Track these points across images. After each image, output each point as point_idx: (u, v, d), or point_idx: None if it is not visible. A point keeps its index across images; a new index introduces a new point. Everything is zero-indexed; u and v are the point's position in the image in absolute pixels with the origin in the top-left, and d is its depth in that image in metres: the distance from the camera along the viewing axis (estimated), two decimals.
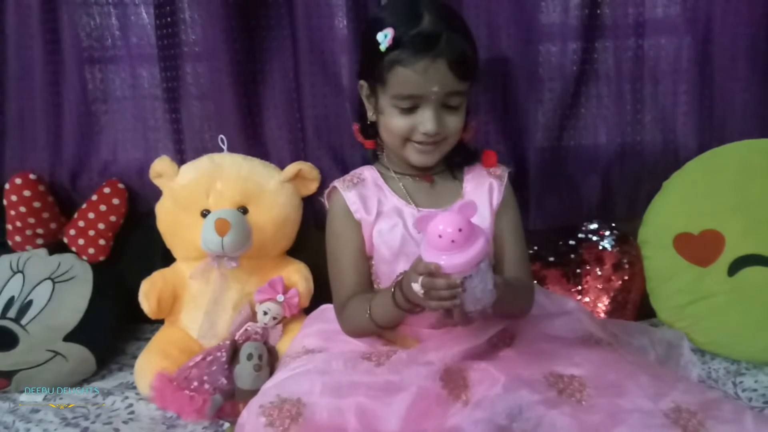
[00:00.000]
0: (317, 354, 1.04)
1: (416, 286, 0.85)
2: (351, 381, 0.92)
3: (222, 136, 1.39)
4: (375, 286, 1.11)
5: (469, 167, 1.13)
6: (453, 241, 0.81)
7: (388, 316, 0.98)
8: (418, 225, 0.86)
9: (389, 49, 0.97)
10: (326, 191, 1.13)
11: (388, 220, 1.07)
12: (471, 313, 0.87)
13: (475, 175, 1.12)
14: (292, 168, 1.38)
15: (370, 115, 1.08)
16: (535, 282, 1.35)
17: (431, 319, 1.02)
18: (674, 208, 1.36)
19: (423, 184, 1.11)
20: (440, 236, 0.82)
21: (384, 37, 0.97)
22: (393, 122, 1.02)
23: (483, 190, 1.10)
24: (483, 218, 1.06)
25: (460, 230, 0.81)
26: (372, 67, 1.01)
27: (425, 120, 1.00)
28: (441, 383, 0.92)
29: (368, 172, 1.13)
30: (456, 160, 1.12)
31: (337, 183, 1.11)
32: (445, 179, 1.12)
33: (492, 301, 0.86)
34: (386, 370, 0.96)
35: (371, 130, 1.11)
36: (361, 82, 1.07)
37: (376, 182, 1.11)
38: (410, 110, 1.00)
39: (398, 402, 0.88)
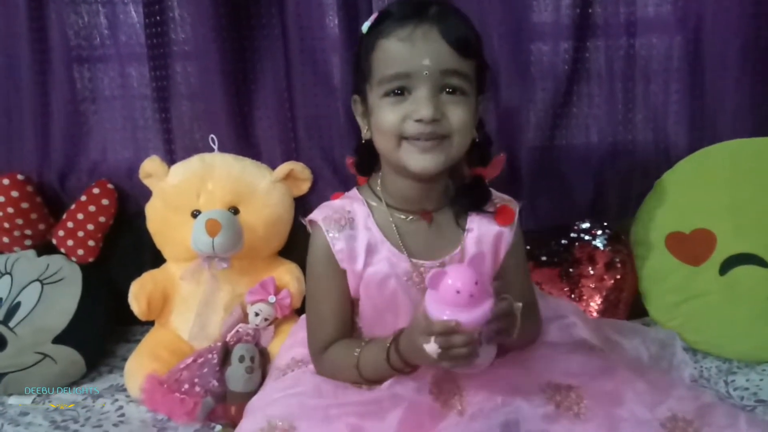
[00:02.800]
0: (306, 371, 1.00)
1: (431, 347, 0.77)
2: (341, 401, 0.90)
3: (213, 135, 1.38)
4: (356, 325, 1.02)
5: (476, 214, 0.96)
6: (471, 296, 0.76)
7: (379, 373, 0.90)
8: (430, 283, 0.78)
9: (371, 28, 0.86)
10: (308, 218, 0.98)
11: (378, 271, 0.94)
12: (481, 362, 0.82)
13: (483, 219, 0.96)
14: (284, 168, 1.37)
15: (365, 132, 0.93)
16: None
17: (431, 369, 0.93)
18: (666, 207, 1.36)
19: (420, 225, 0.95)
20: (458, 292, 0.76)
21: (366, 24, 0.88)
22: (382, 118, 0.85)
23: (488, 240, 0.96)
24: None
25: (476, 284, 0.76)
26: (358, 67, 0.89)
27: (418, 105, 0.82)
28: (432, 396, 0.89)
29: (358, 208, 0.96)
30: (463, 201, 0.95)
31: (321, 221, 0.94)
32: (444, 220, 0.96)
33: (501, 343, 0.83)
34: (375, 387, 0.93)
35: (366, 160, 0.97)
36: (354, 96, 0.94)
37: (366, 224, 0.94)
38: (401, 96, 0.84)
39: (390, 418, 0.85)
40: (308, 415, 0.87)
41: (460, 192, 0.95)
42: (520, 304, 0.81)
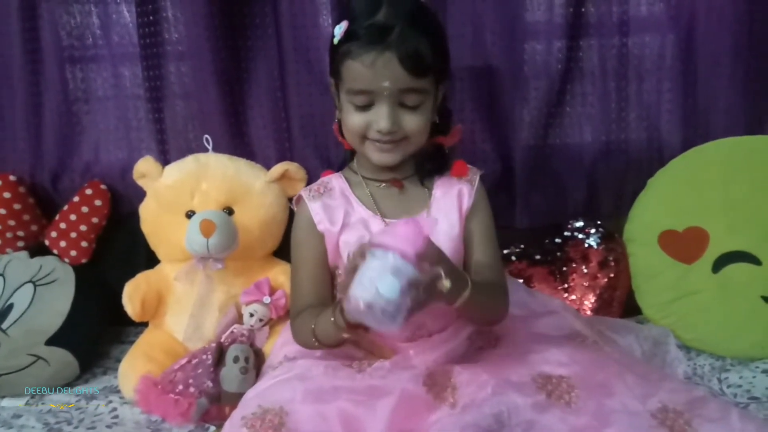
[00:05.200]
0: (298, 361, 1.02)
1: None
2: (332, 386, 0.91)
3: (207, 135, 1.38)
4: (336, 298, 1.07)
5: (439, 178, 1.08)
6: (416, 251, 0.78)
7: (327, 333, 0.94)
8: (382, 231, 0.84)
9: (341, 41, 0.94)
10: (294, 197, 1.10)
11: (354, 232, 1.02)
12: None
13: (445, 181, 1.07)
14: (279, 168, 1.37)
15: (337, 113, 1.05)
16: (521, 281, 1.36)
17: (405, 332, 1.01)
18: (659, 205, 1.37)
19: (391, 191, 1.06)
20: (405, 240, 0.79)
21: (338, 30, 0.95)
22: (349, 119, 0.98)
23: (452, 196, 1.05)
24: (452, 225, 1.03)
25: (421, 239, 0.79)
26: (331, 62, 0.99)
27: (379, 117, 0.95)
28: (425, 387, 0.91)
29: (336, 181, 1.08)
30: (427, 167, 1.07)
31: (303, 192, 1.08)
32: (414, 185, 1.07)
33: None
34: (368, 375, 0.94)
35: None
36: (330, 79, 1.03)
37: (344, 192, 1.06)
38: (366, 107, 0.96)
39: (382, 406, 0.87)
40: (299, 399, 0.89)
41: (423, 160, 1.06)
42: (448, 284, 0.83)
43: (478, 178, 1.08)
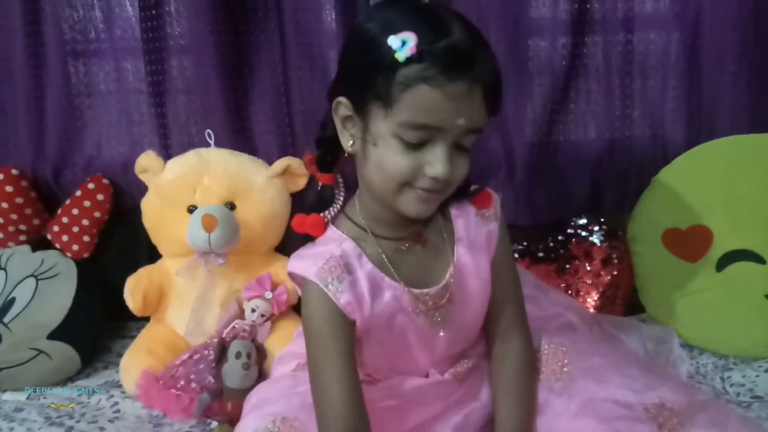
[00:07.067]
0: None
1: None
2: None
3: (209, 130, 1.38)
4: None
5: (457, 206, 0.92)
6: None
7: None
8: None
9: (408, 60, 0.73)
10: (294, 273, 0.87)
11: (385, 310, 0.86)
12: None
13: (467, 221, 0.92)
14: (281, 163, 1.36)
15: (348, 144, 0.82)
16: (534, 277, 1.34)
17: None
18: (663, 203, 1.36)
19: (412, 250, 0.89)
20: None
21: (402, 44, 0.73)
22: (391, 159, 0.77)
23: (480, 246, 0.92)
24: (481, 273, 0.91)
25: None
26: (369, 80, 0.76)
27: (436, 161, 0.76)
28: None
29: (346, 248, 0.86)
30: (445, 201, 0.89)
31: (316, 277, 0.83)
32: (434, 233, 0.91)
33: None
34: (383, 385, 0.93)
35: (330, 160, 0.88)
36: (341, 98, 0.81)
37: (361, 263, 0.85)
38: (417, 146, 0.77)
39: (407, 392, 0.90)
40: (312, 411, 0.84)
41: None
42: None
43: (499, 207, 0.94)
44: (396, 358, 0.92)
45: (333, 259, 0.84)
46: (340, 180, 0.90)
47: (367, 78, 0.76)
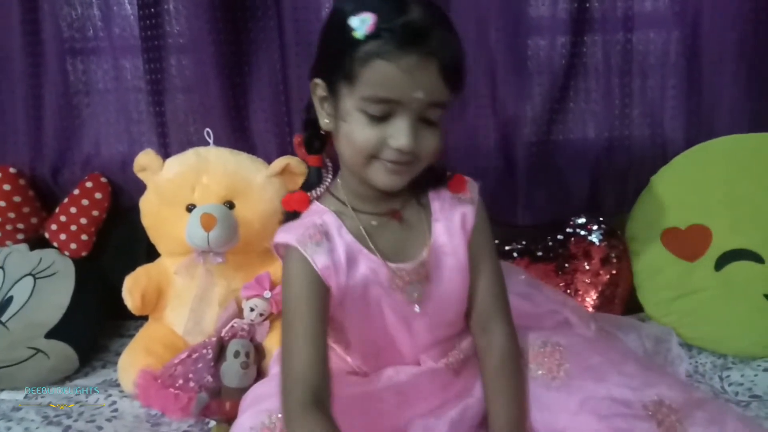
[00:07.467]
0: None
1: None
2: (341, 395, 0.86)
3: (208, 129, 1.37)
4: (334, 346, 0.97)
5: (434, 191, 0.95)
6: None
7: None
8: None
9: (367, 38, 0.78)
10: (276, 242, 0.90)
11: (360, 281, 0.89)
12: None
13: (443, 203, 0.95)
14: (280, 162, 1.36)
15: (325, 122, 0.87)
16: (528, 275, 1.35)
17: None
18: (662, 202, 1.36)
19: (389, 226, 0.91)
20: None
21: (361, 22, 0.78)
22: (358, 132, 0.81)
23: (455, 226, 0.94)
24: (459, 258, 0.93)
25: None
26: (338, 60, 0.80)
27: (399, 132, 0.80)
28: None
29: (327, 218, 0.90)
30: (421, 182, 0.92)
31: (296, 242, 0.86)
32: (411, 212, 0.93)
33: None
34: (373, 377, 0.94)
35: (318, 144, 0.91)
36: (316, 80, 0.86)
37: (340, 233, 0.89)
38: (381, 119, 0.81)
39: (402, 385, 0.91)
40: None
41: (420, 177, 0.91)
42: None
43: (477, 194, 0.96)
44: (377, 338, 0.93)
45: (313, 227, 0.88)
46: (329, 163, 0.93)
47: (336, 58, 0.81)
